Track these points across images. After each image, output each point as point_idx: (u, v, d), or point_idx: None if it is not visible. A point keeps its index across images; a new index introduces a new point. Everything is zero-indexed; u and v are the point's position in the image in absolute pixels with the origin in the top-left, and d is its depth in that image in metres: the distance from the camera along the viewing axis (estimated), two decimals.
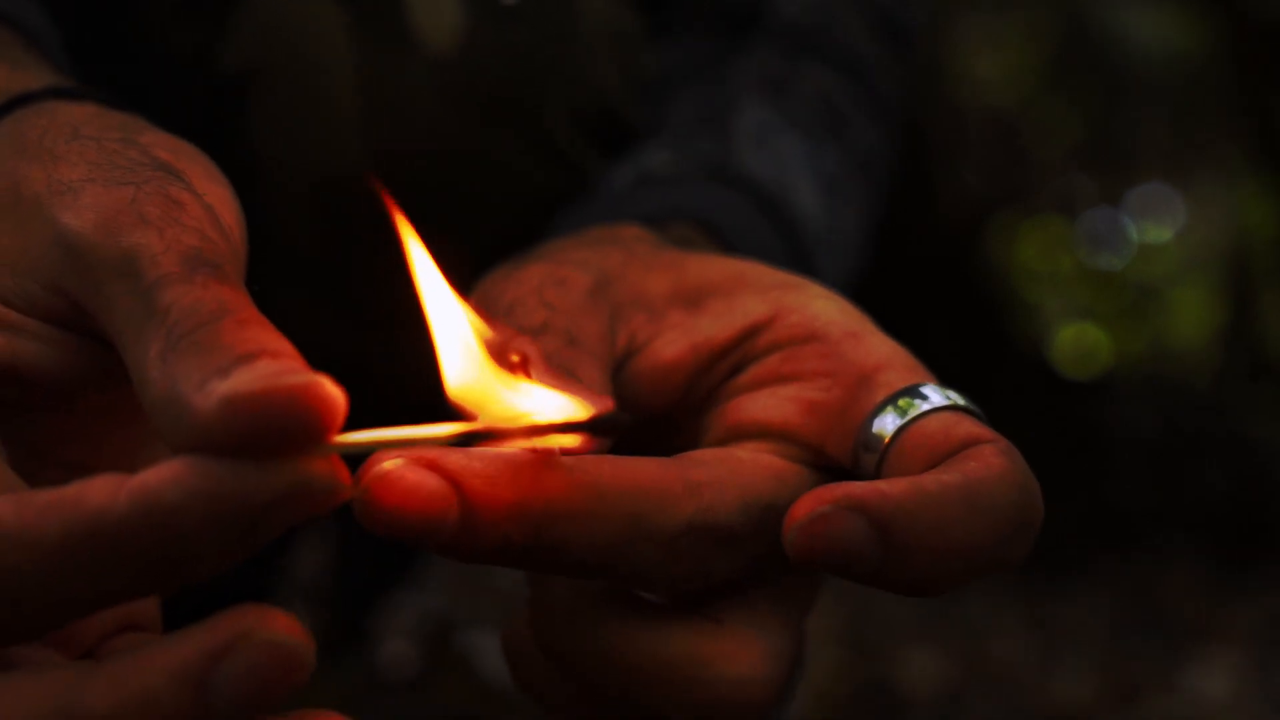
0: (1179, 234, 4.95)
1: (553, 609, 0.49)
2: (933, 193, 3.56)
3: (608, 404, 0.44)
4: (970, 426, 0.50)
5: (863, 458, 0.50)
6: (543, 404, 0.44)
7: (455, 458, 0.44)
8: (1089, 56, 4.50)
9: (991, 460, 0.48)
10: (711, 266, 0.58)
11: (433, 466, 0.43)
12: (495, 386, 0.44)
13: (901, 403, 0.51)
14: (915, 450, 0.49)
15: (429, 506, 0.43)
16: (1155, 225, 4.86)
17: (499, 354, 0.44)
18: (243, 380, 0.40)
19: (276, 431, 0.40)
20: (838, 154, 0.82)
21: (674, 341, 0.55)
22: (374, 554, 1.41)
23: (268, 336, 0.42)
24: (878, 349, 0.53)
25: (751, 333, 0.55)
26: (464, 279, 0.47)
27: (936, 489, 0.46)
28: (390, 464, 0.43)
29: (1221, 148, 4.64)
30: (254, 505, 0.40)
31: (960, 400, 0.51)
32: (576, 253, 0.60)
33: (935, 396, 0.51)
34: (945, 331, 3.28)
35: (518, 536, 0.44)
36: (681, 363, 0.55)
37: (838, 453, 0.52)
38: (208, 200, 0.50)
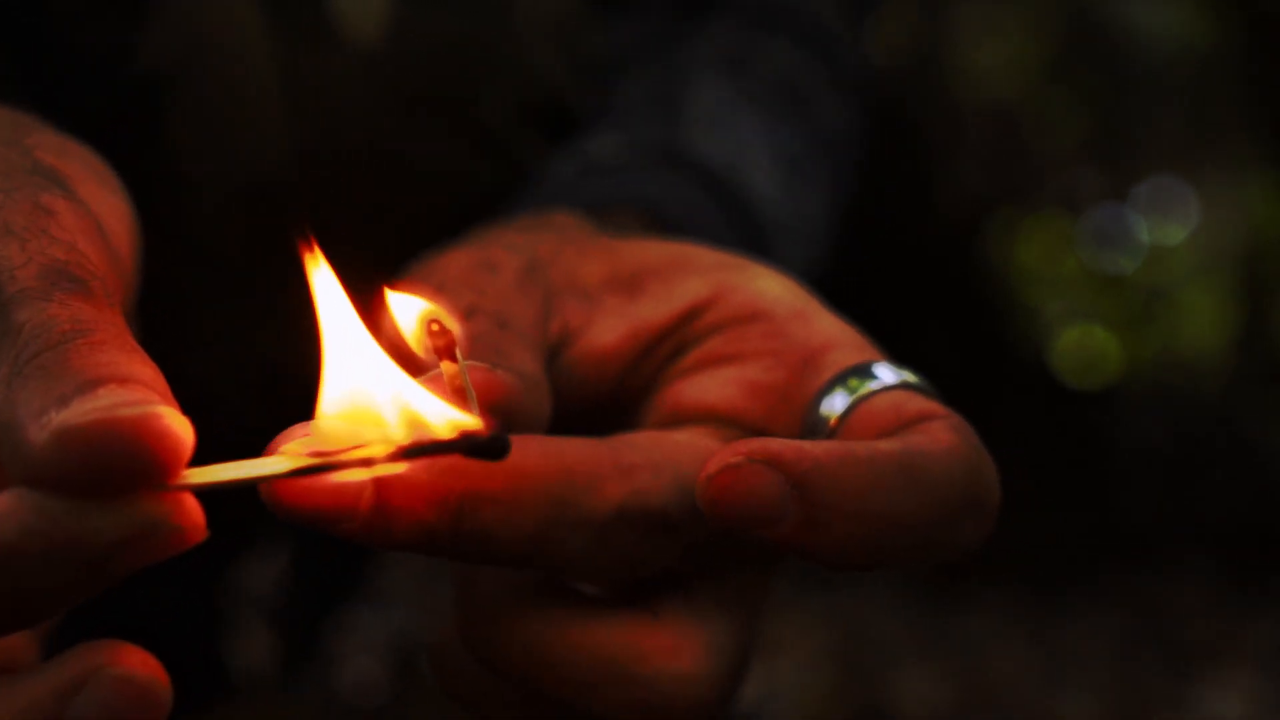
0: (1190, 234, 4.97)
1: (478, 606, 0.48)
2: (929, 190, 3.57)
3: (486, 423, 0.43)
4: (922, 403, 0.50)
5: (812, 439, 0.50)
6: (427, 411, 0.43)
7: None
8: (1095, 47, 4.53)
9: (939, 434, 0.48)
10: (649, 250, 0.57)
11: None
12: (376, 404, 0.43)
13: (851, 382, 0.51)
14: (864, 431, 0.49)
15: (339, 496, 0.43)
16: (1164, 224, 4.88)
17: (426, 328, 0.44)
18: (77, 412, 0.39)
19: (110, 468, 0.39)
20: (801, 134, 0.82)
21: (611, 328, 0.55)
22: (329, 562, 1.39)
23: (123, 361, 0.41)
24: (825, 328, 0.53)
25: (692, 315, 0.55)
26: (370, 295, 0.46)
27: (866, 454, 0.45)
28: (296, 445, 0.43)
29: (1234, 142, 4.66)
30: (93, 546, 0.39)
31: (913, 378, 0.51)
32: (506, 237, 0.59)
33: (887, 374, 0.51)
34: (942, 336, 3.29)
35: (436, 524, 0.44)
36: (619, 349, 0.55)
37: (784, 436, 0.51)
38: (96, 208, 0.49)
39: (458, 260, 0.56)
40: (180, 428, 0.40)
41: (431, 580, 2.51)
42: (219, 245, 0.75)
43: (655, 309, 0.55)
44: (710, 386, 0.53)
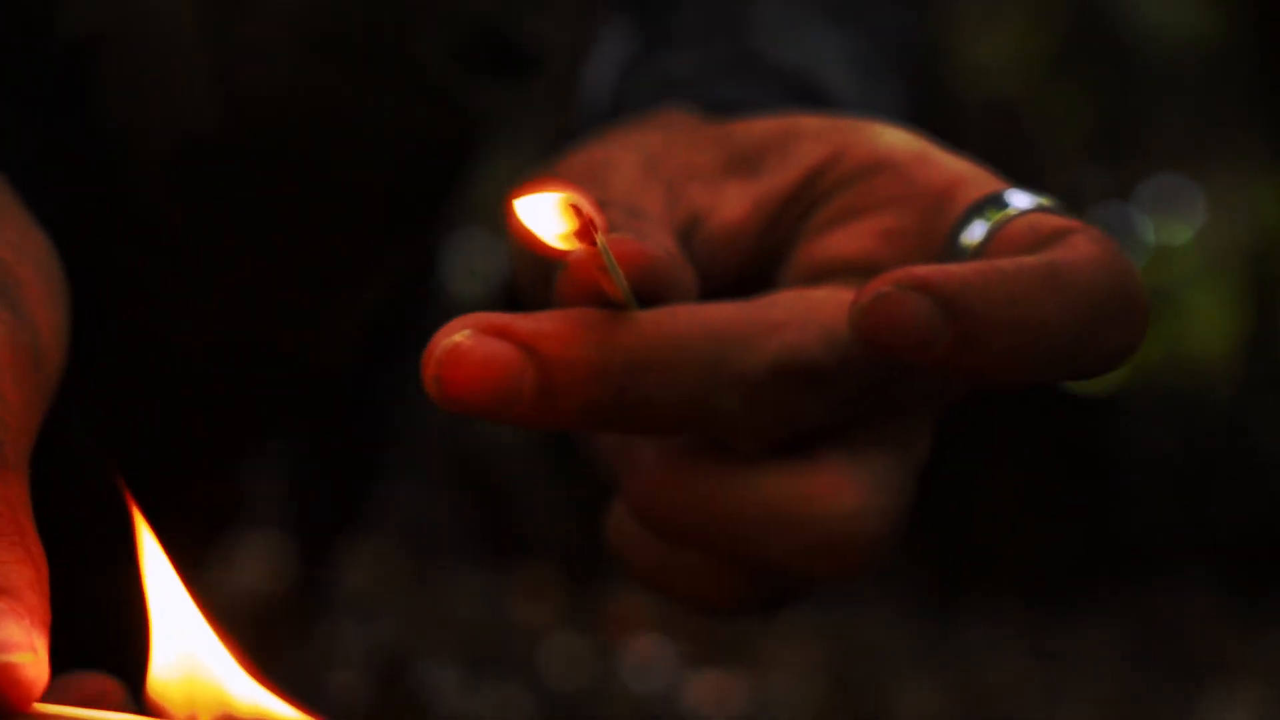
0: (1197, 232, 4.99)
1: (642, 476, 0.50)
2: None
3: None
4: (1059, 221, 0.51)
5: None
6: (256, 699, 0.44)
7: (524, 322, 0.45)
8: (1100, 40, 4.54)
9: (1080, 245, 0.49)
10: (758, 126, 0.58)
11: (503, 333, 0.44)
12: (210, 676, 0.44)
13: (987, 212, 0.52)
14: (1004, 253, 0.51)
15: (504, 379, 0.44)
16: (1171, 223, 4.89)
17: (561, 213, 0.45)
18: None
19: None
20: (868, 40, 0.82)
21: (736, 203, 0.56)
22: (333, 485, 1.39)
23: (3, 567, 0.42)
24: (951, 166, 0.54)
25: (815, 175, 0.56)
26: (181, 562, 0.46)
27: (1012, 268, 0.47)
28: (459, 335, 0.44)
29: (1244, 139, 4.68)
30: None
31: (1048, 201, 0.52)
32: (614, 139, 0.60)
33: (1021, 200, 0.52)
34: None
35: (600, 397, 0.45)
36: (747, 221, 0.56)
37: None
38: (38, 321, 0.48)
39: (572, 165, 0.57)
40: (35, 674, 0.41)
41: (415, 590, 2.51)
42: (162, 214, 0.76)
43: (777, 177, 0.56)
44: (844, 240, 0.54)
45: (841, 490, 0.49)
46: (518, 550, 2.80)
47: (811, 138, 0.57)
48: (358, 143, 0.77)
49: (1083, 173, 4.59)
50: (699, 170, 0.57)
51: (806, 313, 0.49)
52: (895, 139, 0.56)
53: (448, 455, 3.18)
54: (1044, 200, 0.53)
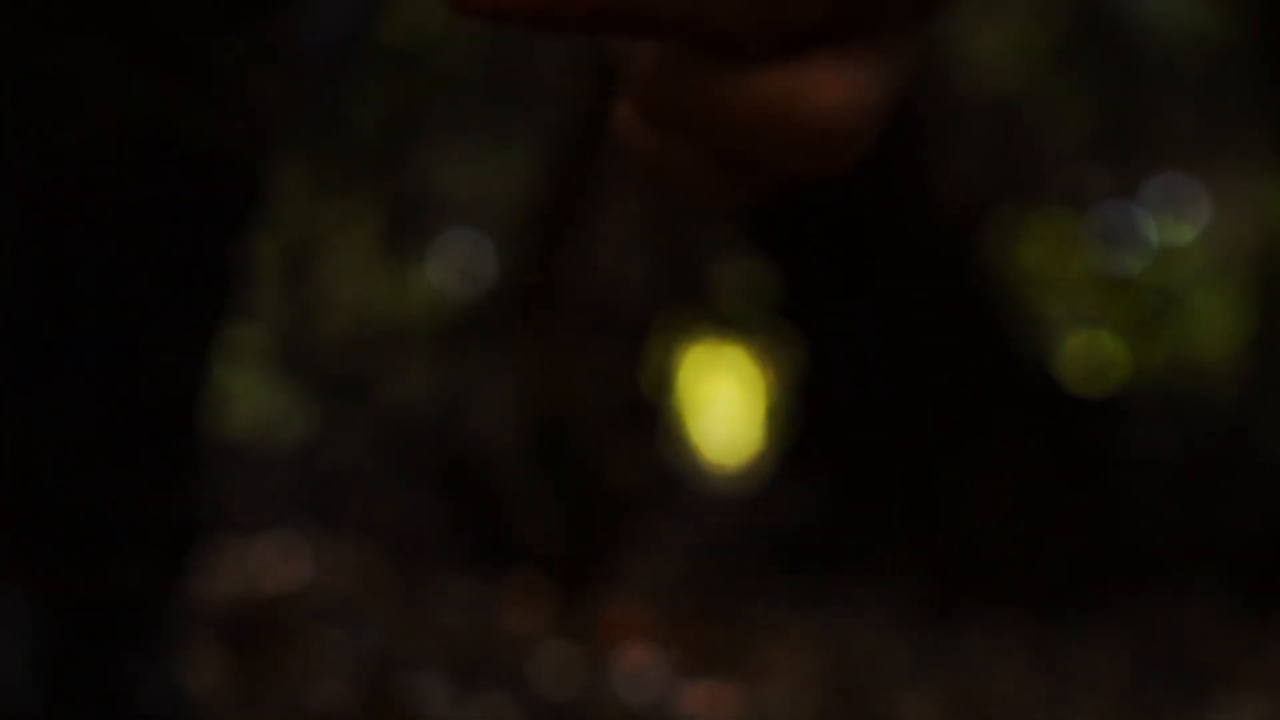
0: (1201, 232, 5.00)
1: (645, 73, 0.53)
2: (925, 185, 3.59)
3: None
4: None
5: None
6: None
7: None
8: (1102, 34, 4.55)
9: None
10: None
11: None
12: None
13: None
14: None
15: None
16: (1175, 222, 4.91)
17: None
18: None
19: None
20: None
21: None
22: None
23: None
24: None
25: None
26: None
27: None
28: None
29: (1249, 136, 4.69)
30: None
31: None
32: None
33: None
34: (938, 341, 3.31)
35: (607, 4, 0.48)
36: None
37: None
38: None
39: None
40: None
41: (402, 597, 2.52)
42: None
43: None
44: None
45: (828, 88, 0.51)
46: (507, 557, 2.80)
47: None
48: (78, 108, 0.80)
49: (1084, 171, 4.60)
50: None
51: None
52: None
53: (436, 459, 3.19)
54: None
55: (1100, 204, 4.65)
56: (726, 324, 4.22)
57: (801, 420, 3.63)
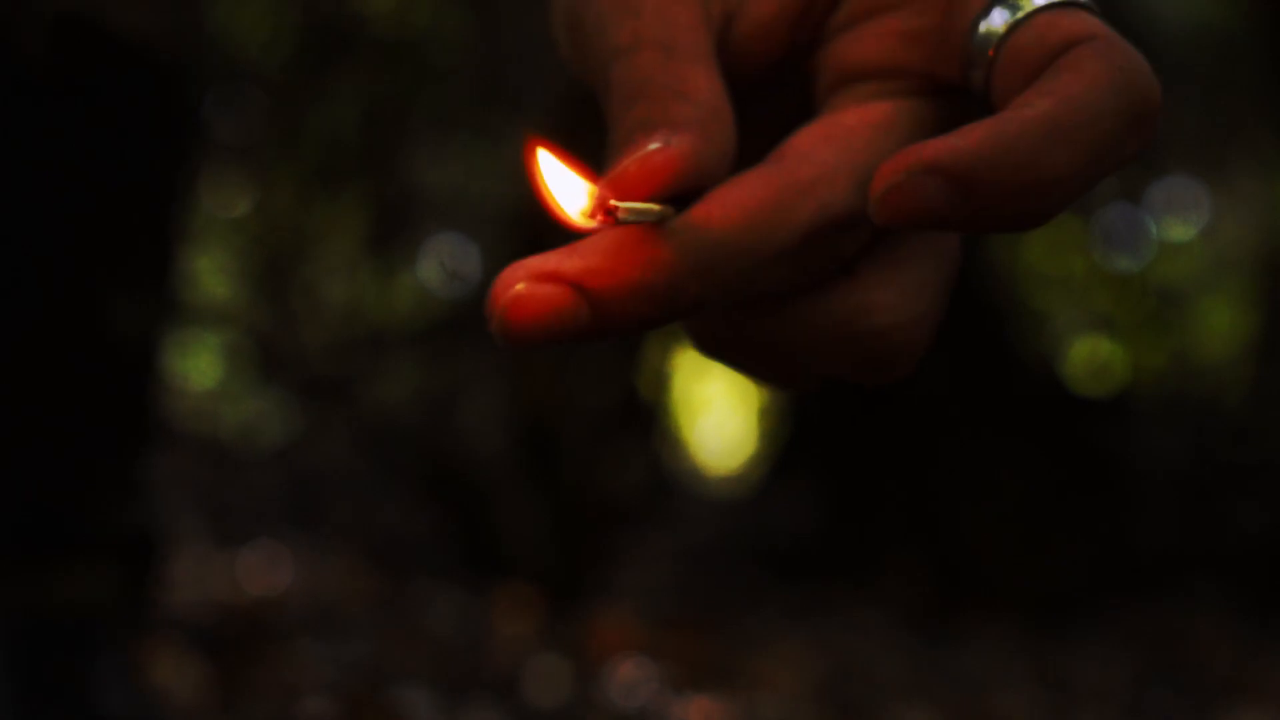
0: (1207, 232, 5.00)
1: (698, 323, 0.57)
2: None
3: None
4: (1068, 25, 0.54)
5: (972, 76, 0.55)
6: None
7: (570, 263, 0.51)
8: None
9: (1084, 67, 0.52)
10: None
11: (553, 278, 0.51)
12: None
13: (993, 18, 0.55)
14: (1015, 67, 0.54)
15: (560, 316, 0.51)
16: (1180, 222, 4.91)
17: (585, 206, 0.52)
18: None
19: None
20: None
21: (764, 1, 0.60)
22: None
23: None
24: None
25: None
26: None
27: (1015, 129, 0.50)
28: (519, 288, 0.51)
29: (1256, 133, 4.69)
30: None
31: None
32: None
33: None
34: (940, 344, 3.31)
35: (651, 310, 0.52)
36: (779, 16, 0.60)
37: (949, 74, 0.57)
38: None
39: None
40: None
41: (389, 616, 2.51)
42: None
43: None
44: (868, 42, 0.59)
45: (882, 304, 0.55)
46: (495, 565, 2.80)
47: None
48: None
49: None
50: None
51: (836, 160, 0.54)
52: None
53: (422, 464, 3.18)
54: None
55: (1103, 204, 4.65)
56: None
57: (796, 424, 3.62)
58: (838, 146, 0.55)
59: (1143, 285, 4.86)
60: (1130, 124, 0.52)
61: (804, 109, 0.60)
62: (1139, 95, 0.52)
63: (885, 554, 3.19)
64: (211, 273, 5.05)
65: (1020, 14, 0.54)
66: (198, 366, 4.95)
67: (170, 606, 2.07)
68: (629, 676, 2.18)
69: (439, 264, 4.94)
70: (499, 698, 1.98)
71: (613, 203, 0.51)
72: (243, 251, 5.11)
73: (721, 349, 0.58)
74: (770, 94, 0.61)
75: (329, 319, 5.09)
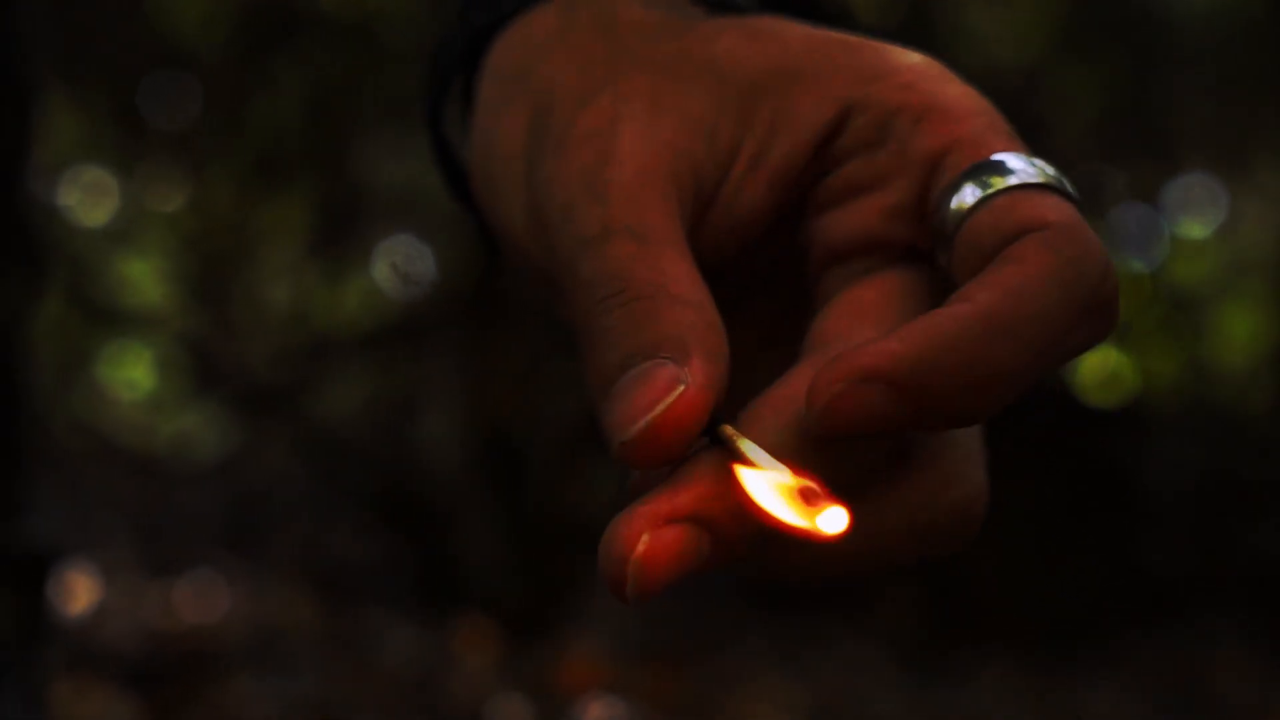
0: (1225, 231, 5.02)
1: (740, 559, 0.58)
2: None
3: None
4: (1026, 209, 0.56)
5: (940, 257, 0.58)
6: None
7: (682, 497, 0.54)
8: (1115, 12, 4.57)
9: (1031, 258, 0.54)
10: (743, 54, 0.63)
11: (672, 516, 0.53)
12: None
13: (980, 177, 0.57)
14: (970, 251, 0.56)
15: (690, 557, 0.53)
16: (1195, 221, 4.93)
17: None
18: None
19: None
20: None
21: (749, 191, 0.62)
22: None
23: None
24: (953, 121, 0.60)
25: (823, 143, 0.62)
26: None
27: (954, 326, 0.53)
28: (643, 543, 0.53)
29: (1278, 125, 4.72)
30: None
31: (1040, 170, 0.57)
32: (567, 77, 0.63)
33: (1015, 163, 0.58)
34: None
35: (761, 525, 0.53)
36: (761, 210, 0.62)
37: (929, 247, 0.59)
38: None
39: (559, 165, 0.61)
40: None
41: (337, 647, 2.51)
42: None
43: (784, 148, 0.62)
44: (853, 220, 0.61)
45: (946, 478, 0.57)
46: (454, 595, 2.80)
47: (811, 81, 0.62)
48: None
49: (1096, 165, 4.61)
50: (697, 126, 0.62)
51: (878, 336, 0.55)
52: (896, 81, 0.61)
53: (376, 486, 3.18)
54: (1034, 168, 0.57)
55: (1115, 201, 4.67)
56: None
57: None
58: (871, 322, 0.58)
59: (1156, 288, 4.88)
60: (1078, 316, 0.54)
61: (770, 283, 0.63)
62: (1088, 287, 0.54)
63: (879, 581, 3.19)
64: (143, 275, 5.04)
65: (988, 191, 0.56)
66: (128, 376, 4.94)
67: (98, 638, 2.07)
68: (598, 716, 2.18)
69: (391, 266, 4.93)
70: None
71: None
72: (177, 251, 5.09)
73: (795, 575, 0.59)
74: (736, 272, 0.63)
75: (271, 325, 5.08)
